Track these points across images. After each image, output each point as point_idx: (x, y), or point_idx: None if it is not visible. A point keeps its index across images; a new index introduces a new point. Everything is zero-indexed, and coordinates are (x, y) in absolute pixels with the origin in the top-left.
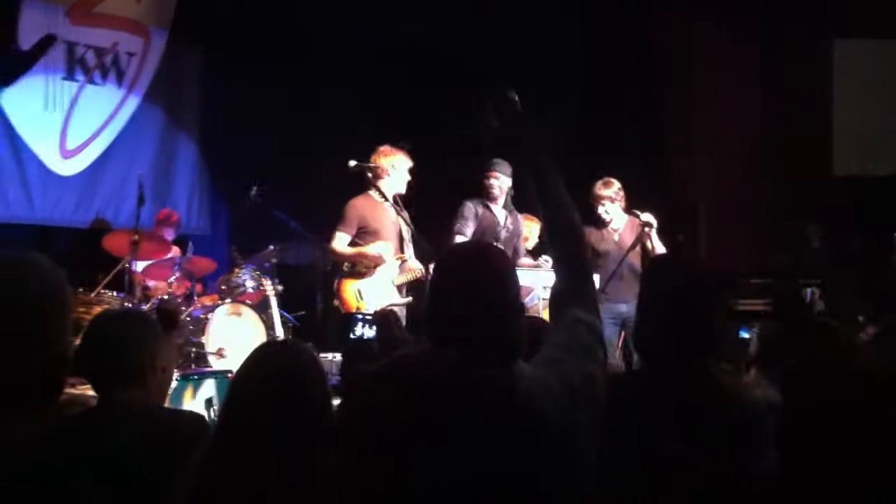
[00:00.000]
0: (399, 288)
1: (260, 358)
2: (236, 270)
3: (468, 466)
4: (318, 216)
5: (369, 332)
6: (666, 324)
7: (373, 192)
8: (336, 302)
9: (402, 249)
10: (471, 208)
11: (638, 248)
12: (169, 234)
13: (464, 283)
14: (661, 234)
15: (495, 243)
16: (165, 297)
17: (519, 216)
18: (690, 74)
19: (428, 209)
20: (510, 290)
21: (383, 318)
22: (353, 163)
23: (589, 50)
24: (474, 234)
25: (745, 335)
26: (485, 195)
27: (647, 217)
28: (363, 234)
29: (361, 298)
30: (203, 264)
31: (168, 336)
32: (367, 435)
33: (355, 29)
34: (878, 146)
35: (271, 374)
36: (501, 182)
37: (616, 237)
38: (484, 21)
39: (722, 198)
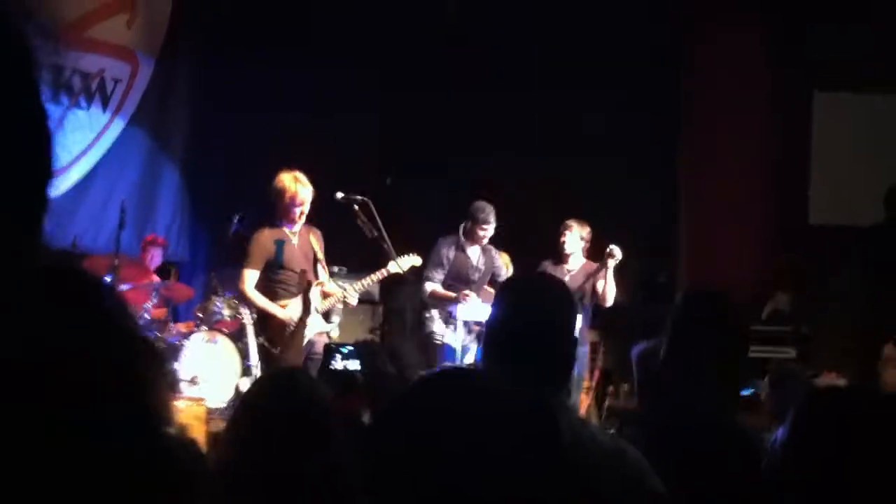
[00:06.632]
0: (324, 315)
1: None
2: (213, 298)
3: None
4: None
5: (352, 365)
6: (699, 358)
7: (286, 227)
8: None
9: (316, 275)
10: (442, 254)
11: (588, 286)
12: (157, 257)
13: (526, 309)
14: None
15: (467, 285)
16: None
17: (494, 252)
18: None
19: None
20: (567, 319)
21: (370, 351)
22: (339, 195)
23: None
24: (446, 276)
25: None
26: (468, 238)
27: (614, 247)
28: (272, 267)
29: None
30: (182, 291)
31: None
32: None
33: (352, 64)
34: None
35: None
36: (490, 231)
37: (568, 277)
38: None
39: (702, 239)
